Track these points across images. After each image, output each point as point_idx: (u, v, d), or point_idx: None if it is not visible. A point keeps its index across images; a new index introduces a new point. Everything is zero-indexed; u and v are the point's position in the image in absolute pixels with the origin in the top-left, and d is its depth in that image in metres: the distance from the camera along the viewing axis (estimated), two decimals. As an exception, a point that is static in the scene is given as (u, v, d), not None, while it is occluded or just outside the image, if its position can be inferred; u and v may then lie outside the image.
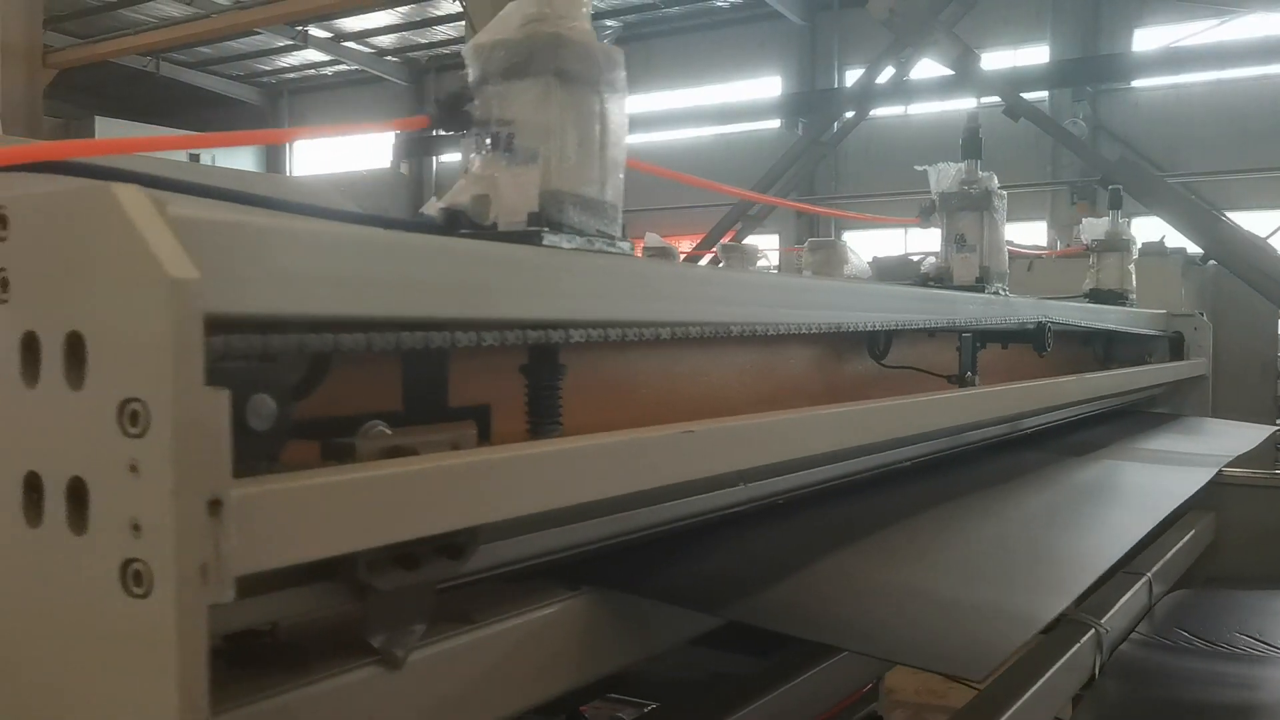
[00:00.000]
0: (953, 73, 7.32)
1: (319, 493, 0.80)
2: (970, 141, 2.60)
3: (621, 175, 1.36)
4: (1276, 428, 3.60)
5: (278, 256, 0.81)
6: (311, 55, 20.12)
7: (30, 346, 0.77)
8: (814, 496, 1.75)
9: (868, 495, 1.88)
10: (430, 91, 20.25)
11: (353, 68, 20.56)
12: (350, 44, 19.73)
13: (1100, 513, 2.00)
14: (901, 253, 4.15)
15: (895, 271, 2.98)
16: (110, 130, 14.49)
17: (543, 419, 1.32)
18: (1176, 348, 4.15)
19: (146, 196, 0.72)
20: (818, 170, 15.55)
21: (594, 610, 1.28)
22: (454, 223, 1.29)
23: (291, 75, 22.22)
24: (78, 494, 0.74)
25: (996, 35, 16.62)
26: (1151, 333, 3.87)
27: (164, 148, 1.41)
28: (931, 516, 1.77)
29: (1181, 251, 6.44)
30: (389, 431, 1.06)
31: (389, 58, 20.45)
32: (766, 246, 10.52)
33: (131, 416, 0.71)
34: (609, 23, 18.98)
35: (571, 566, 1.32)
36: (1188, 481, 2.23)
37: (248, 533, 0.73)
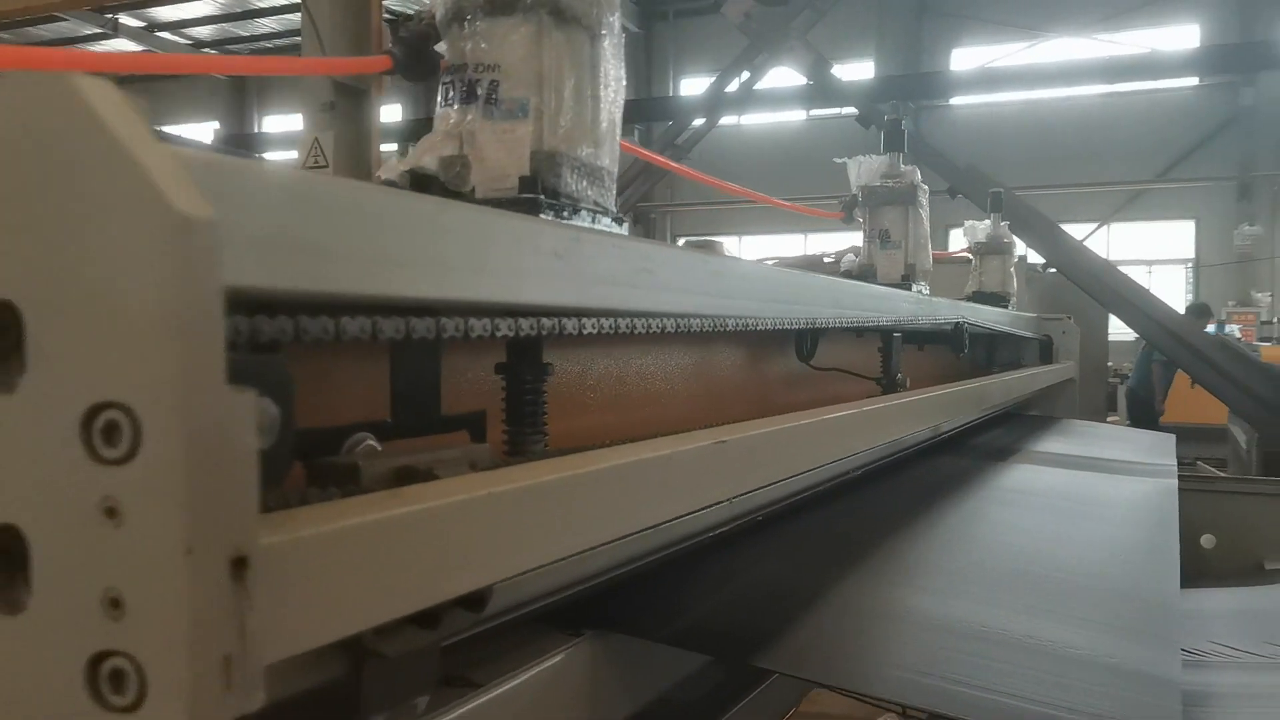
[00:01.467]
0: (808, 80, 7.36)
1: (364, 537, 0.56)
2: (893, 134, 2.49)
3: (619, 138, 1.15)
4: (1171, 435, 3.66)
5: (305, 217, 0.57)
6: (124, 45, 18.78)
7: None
8: (789, 510, 1.57)
9: (838, 504, 1.72)
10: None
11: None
12: (165, 34, 18.51)
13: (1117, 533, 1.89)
14: (804, 254, 4.06)
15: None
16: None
17: (524, 428, 1.09)
18: (1046, 350, 4.21)
19: (129, 104, 0.47)
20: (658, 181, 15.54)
21: (598, 656, 1.06)
22: (423, 189, 1.05)
23: (97, 66, 20.70)
24: (4, 553, 0.48)
25: (827, 50, 17.08)
26: (1031, 335, 3.90)
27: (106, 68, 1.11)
28: (925, 531, 1.63)
29: (1022, 259, 6.66)
30: (379, 447, 0.82)
31: (207, 50, 19.32)
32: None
33: (106, 432, 0.46)
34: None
35: (565, 608, 1.10)
36: (1165, 493, 2.17)
37: (276, 601, 0.49)
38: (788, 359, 2.31)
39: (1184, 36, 17.11)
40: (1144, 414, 10.02)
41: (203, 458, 0.45)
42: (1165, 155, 17.00)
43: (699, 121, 8.98)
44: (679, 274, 1.20)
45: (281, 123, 19.45)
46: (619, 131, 1.15)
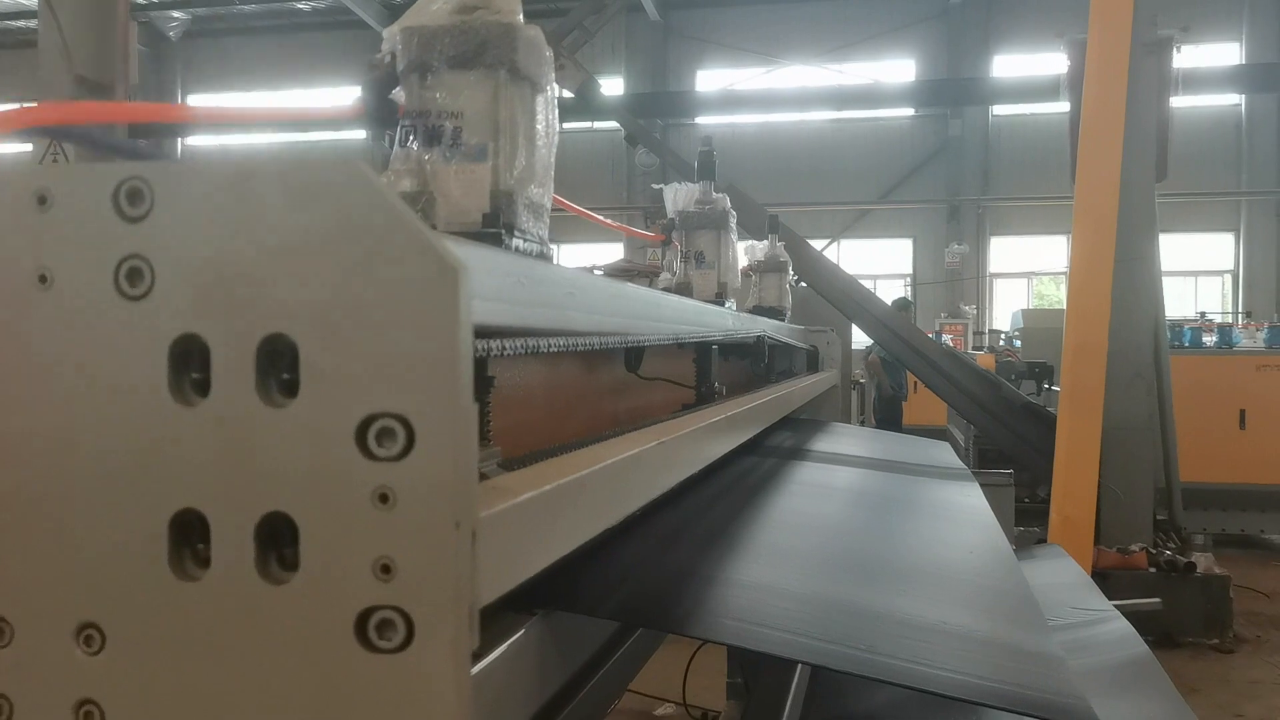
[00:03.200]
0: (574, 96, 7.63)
1: (546, 499, 0.72)
2: (705, 164, 2.75)
3: (551, 180, 1.32)
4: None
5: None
6: None
7: (185, 354, 0.61)
8: (658, 506, 1.77)
9: (693, 500, 1.94)
10: None
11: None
12: None
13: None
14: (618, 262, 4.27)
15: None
16: None
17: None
18: (814, 360, 4.63)
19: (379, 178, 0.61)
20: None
21: (545, 633, 1.22)
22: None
23: None
24: (276, 534, 0.60)
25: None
26: (804, 346, 4.29)
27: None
28: (766, 521, 1.87)
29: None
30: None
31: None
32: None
33: (381, 436, 0.59)
34: (175, 14, 17.53)
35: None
36: (972, 494, 2.51)
37: (487, 559, 0.64)
38: (617, 369, 2.51)
39: (902, 70, 18.77)
40: (894, 417, 10.90)
41: (459, 454, 0.59)
42: (887, 178, 18.58)
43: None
44: (591, 298, 1.37)
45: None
46: (552, 171, 1.32)
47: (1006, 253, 18.99)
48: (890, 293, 18.66)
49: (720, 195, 2.72)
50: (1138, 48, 6.55)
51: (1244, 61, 16.91)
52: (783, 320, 4.15)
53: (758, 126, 18.34)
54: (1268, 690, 5.43)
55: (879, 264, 18.93)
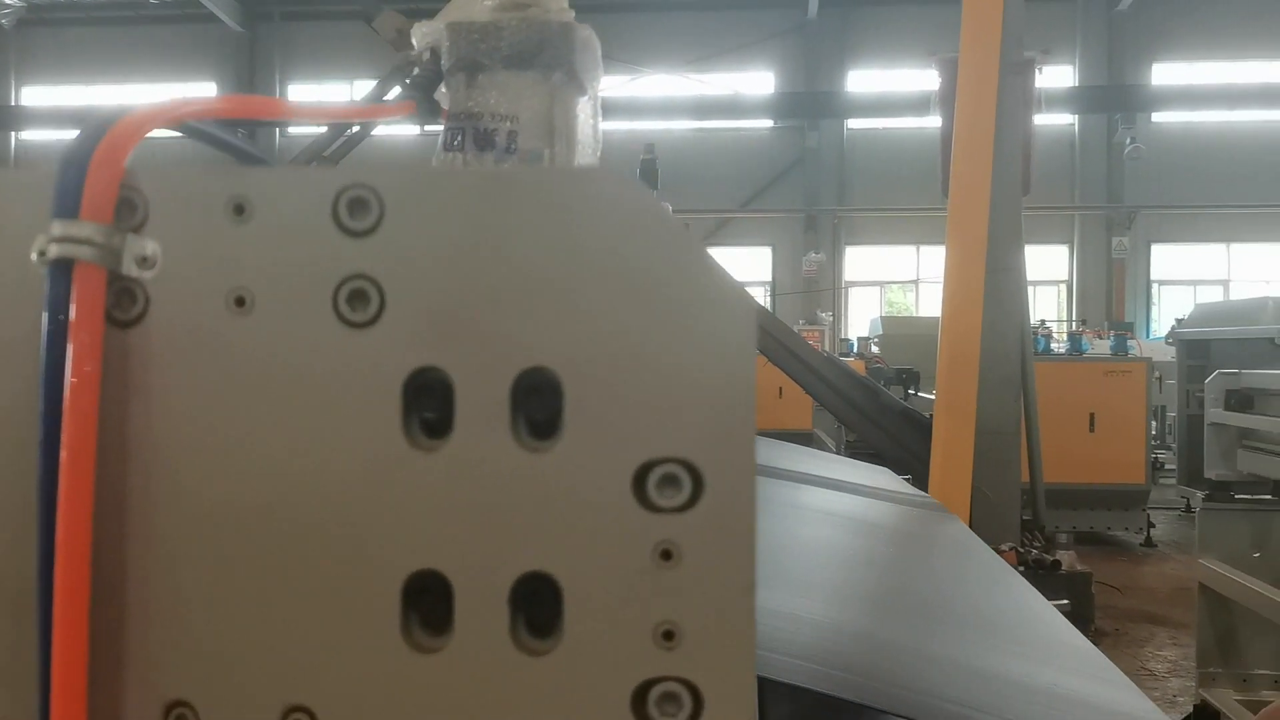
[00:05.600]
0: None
1: None
2: (647, 171, 2.71)
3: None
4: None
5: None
6: None
7: (421, 390, 0.52)
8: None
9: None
10: None
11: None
12: None
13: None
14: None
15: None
16: None
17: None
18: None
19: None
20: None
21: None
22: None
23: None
24: (534, 598, 0.52)
25: (441, 67, 17.24)
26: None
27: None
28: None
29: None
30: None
31: None
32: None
33: (663, 484, 0.52)
34: (9, 1, 16.38)
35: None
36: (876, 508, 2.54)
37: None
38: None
39: (761, 82, 19.17)
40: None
41: (748, 503, 0.53)
42: (747, 188, 18.92)
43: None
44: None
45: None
46: (598, 180, 1.25)
47: (860, 262, 19.61)
48: (751, 300, 18.97)
49: (663, 205, 2.68)
50: (1006, 67, 6.83)
51: (1078, 83, 17.94)
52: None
53: (623, 134, 18.38)
54: (1133, 682, 5.71)
55: (740, 271, 19.26)
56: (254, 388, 0.53)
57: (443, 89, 1.15)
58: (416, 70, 1.12)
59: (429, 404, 0.53)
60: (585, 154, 1.20)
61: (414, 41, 1.17)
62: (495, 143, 1.12)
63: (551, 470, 0.52)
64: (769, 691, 1.52)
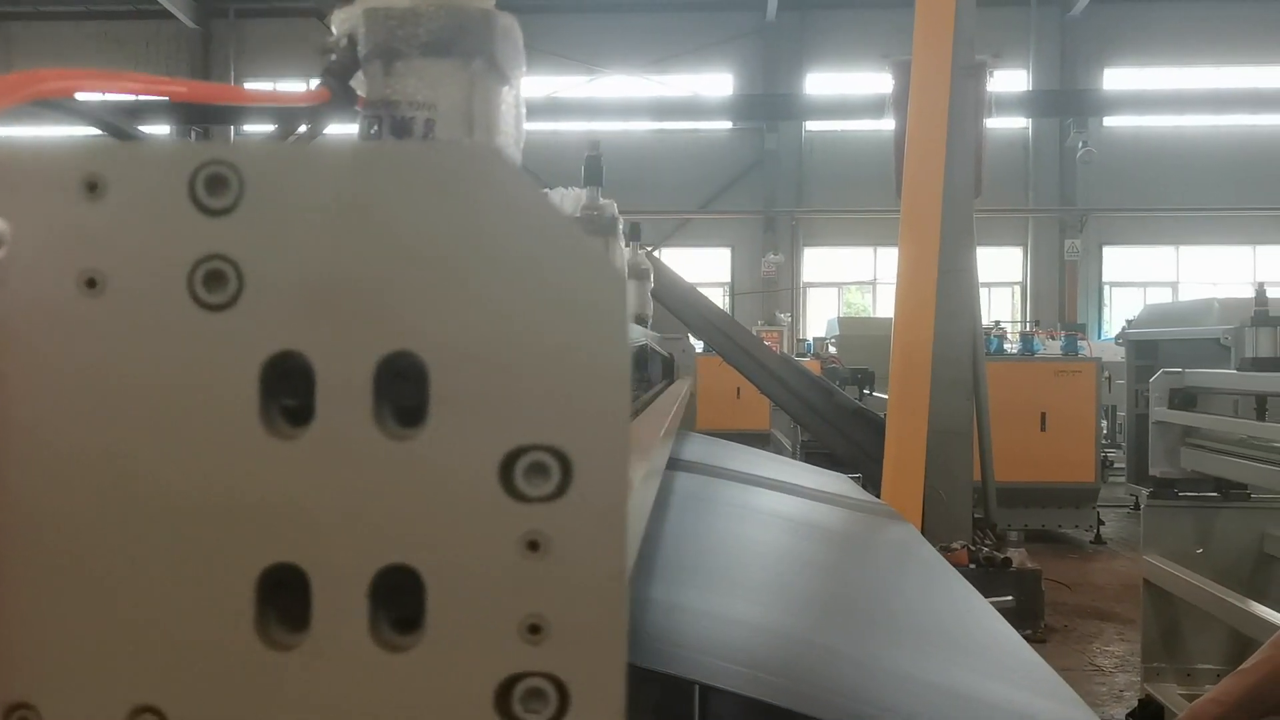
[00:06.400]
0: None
1: None
2: (593, 169, 2.69)
3: (520, 179, 1.23)
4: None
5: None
6: None
7: (281, 377, 0.50)
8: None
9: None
10: None
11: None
12: None
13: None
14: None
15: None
16: None
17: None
18: (669, 367, 4.63)
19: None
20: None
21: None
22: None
23: None
24: (395, 592, 0.50)
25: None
26: (665, 353, 4.28)
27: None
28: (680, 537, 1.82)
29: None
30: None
31: None
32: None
33: (531, 472, 0.50)
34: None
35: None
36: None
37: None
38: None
39: (720, 84, 19.22)
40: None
41: (621, 490, 0.51)
42: (706, 189, 18.97)
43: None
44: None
45: None
46: (519, 172, 1.23)
47: (818, 263, 19.73)
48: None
49: (608, 202, 2.66)
50: (958, 71, 6.89)
51: (1031, 88, 18.17)
52: (646, 327, 4.13)
53: (581, 135, 18.35)
54: (1080, 678, 5.79)
55: (699, 272, 19.28)
56: (104, 372, 0.50)
57: (360, 76, 1.12)
58: (333, 57, 1.10)
59: (290, 390, 0.51)
60: (507, 145, 1.18)
61: (333, 28, 1.15)
62: (412, 131, 1.09)
63: (415, 459, 0.50)
64: (706, 697, 1.51)
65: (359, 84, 1.15)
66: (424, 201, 0.50)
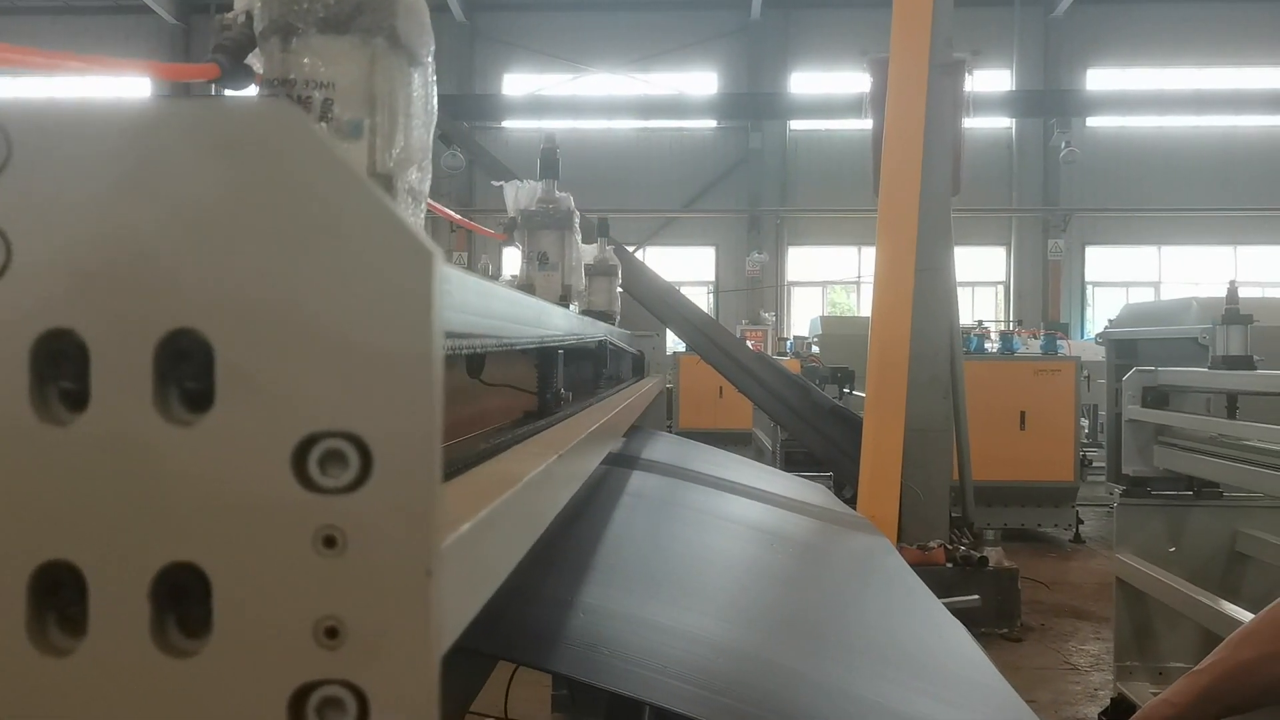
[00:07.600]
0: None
1: (483, 527, 0.59)
2: (549, 162, 2.64)
3: (430, 166, 1.19)
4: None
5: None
6: None
7: (54, 356, 0.46)
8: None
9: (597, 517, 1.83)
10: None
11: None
12: None
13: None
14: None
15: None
16: None
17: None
18: (640, 365, 4.59)
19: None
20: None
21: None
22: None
23: None
24: (179, 592, 0.46)
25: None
26: (633, 351, 4.24)
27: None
28: (633, 540, 1.78)
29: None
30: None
31: None
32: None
33: (326, 461, 0.46)
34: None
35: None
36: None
37: (445, 599, 0.51)
38: (459, 375, 2.37)
39: (704, 82, 19.18)
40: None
41: (428, 481, 0.47)
42: (691, 188, 18.94)
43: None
44: (463, 294, 1.25)
45: None
46: (430, 156, 1.19)
47: (803, 262, 19.70)
48: (694, 298, 19.03)
49: (564, 195, 2.61)
50: (935, 69, 6.86)
51: (1015, 88, 18.18)
52: (613, 324, 4.09)
53: (565, 133, 18.26)
54: (1055, 676, 5.77)
55: (683, 271, 19.25)
56: None
57: (257, 54, 1.08)
58: (227, 32, 1.05)
59: (68, 372, 0.47)
60: (416, 127, 1.13)
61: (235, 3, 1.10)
62: (310, 112, 1.05)
63: (200, 447, 0.46)
64: (649, 714, 1.47)
65: (257, 61, 1.10)
66: (209, 165, 0.46)
